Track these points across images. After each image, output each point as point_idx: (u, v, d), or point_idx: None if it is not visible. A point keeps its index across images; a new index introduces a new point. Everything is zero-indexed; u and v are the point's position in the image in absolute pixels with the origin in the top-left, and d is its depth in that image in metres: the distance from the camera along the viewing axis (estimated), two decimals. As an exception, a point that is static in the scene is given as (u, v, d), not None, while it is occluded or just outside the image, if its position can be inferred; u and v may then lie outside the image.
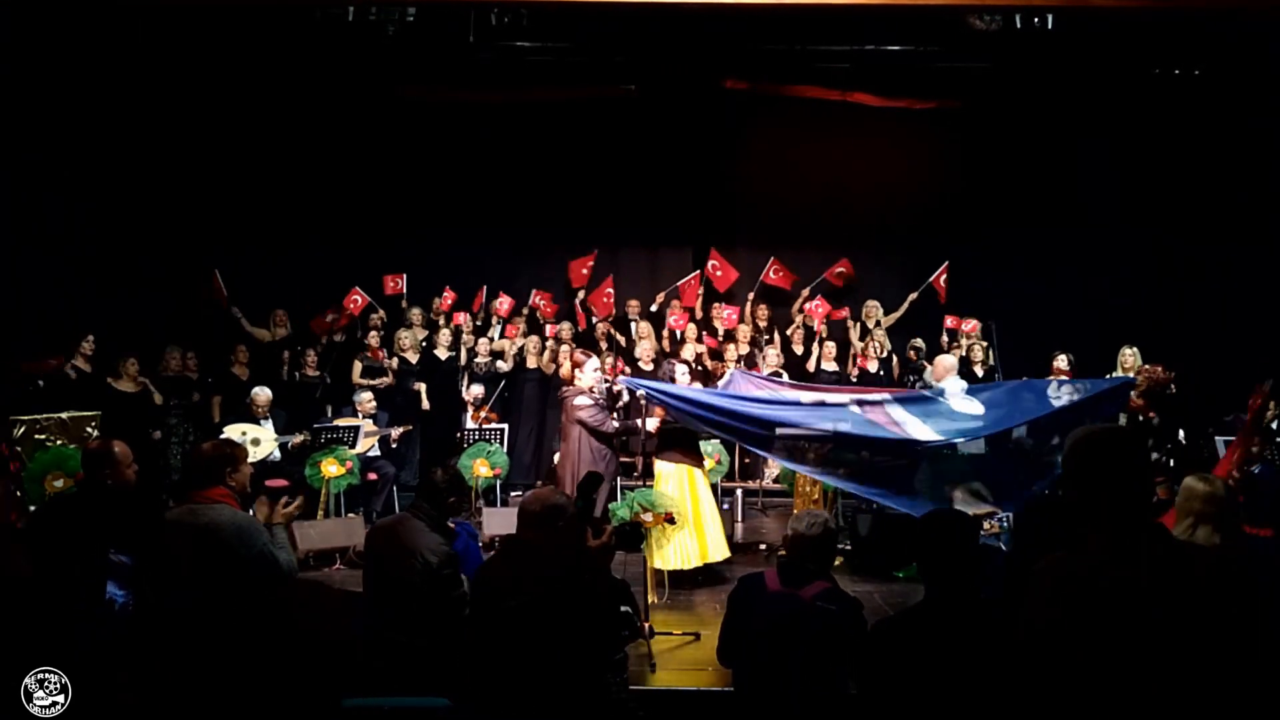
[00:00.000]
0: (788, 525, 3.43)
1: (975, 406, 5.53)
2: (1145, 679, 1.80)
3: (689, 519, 6.01)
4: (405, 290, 9.68)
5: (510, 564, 3.01)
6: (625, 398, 6.80)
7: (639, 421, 5.93)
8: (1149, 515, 2.00)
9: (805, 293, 9.89)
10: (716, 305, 9.81)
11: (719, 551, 6.18)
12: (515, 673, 2.52)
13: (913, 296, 9.85)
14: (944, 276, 9.79)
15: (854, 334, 9.69)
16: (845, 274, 10.03)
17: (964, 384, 5.95)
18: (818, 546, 3.28)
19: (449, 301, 9.66)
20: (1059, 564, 2.00)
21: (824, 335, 9.46)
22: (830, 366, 9.21)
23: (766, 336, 9.57)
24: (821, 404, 5.81)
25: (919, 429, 5.41)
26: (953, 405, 5.57)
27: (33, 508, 5.48)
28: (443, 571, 3.62)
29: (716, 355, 9.35)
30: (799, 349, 9.42)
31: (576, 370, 6.19)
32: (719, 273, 9.92)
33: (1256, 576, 3.07)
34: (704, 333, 9.63)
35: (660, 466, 6.16)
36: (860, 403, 5.76)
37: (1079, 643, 1.85)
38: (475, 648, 2.78)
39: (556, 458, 6.10)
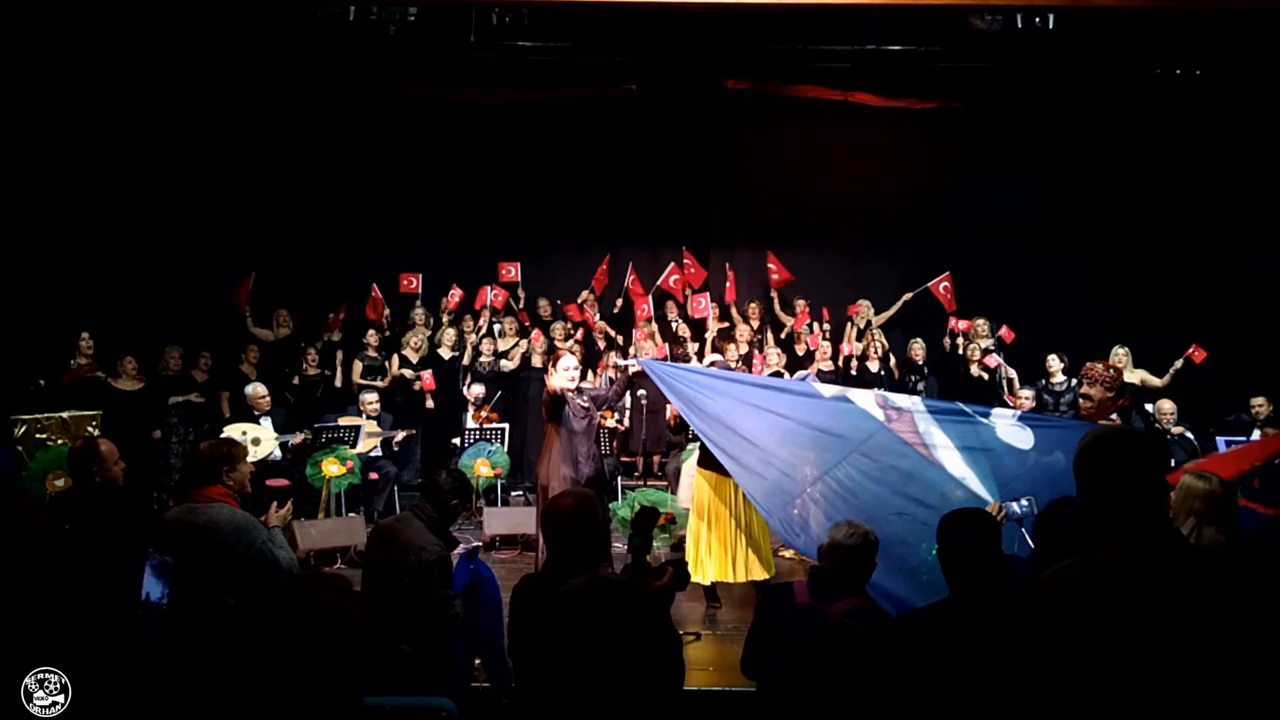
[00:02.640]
0: (828, 533, 3.24)
1: (1025, 438, 4.66)
2: (1157, 684, 1.79)
3: (718, 531, 5.62)
4: (421, 290, 9.69)
5: (563, 577, 2.74)
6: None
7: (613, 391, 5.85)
8: (1161, 518, 1.98)
9: (907, 296, 9.77)
10: (694, 298, 9.78)
11: (753, 571, 5.60)
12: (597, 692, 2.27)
13: (907, 297, 9.83)
14: (944, 284, 9.76)
15: (850, 334, 9.69)
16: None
17: (1015, 412, 5.06)
18: (855, 558, 3.11)
19: (456, 300, 9.69)
20: (1070, 569, 1.97)
21: (826, 335, 9.46)
22: (827, 366, 9.21)
23: (760, 337, 9.57)
24: (844, 399, 4.94)
25: (950, 459, 4.52)
26: (997, 430, 4.69)
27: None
28: (432, 570, 3.62)
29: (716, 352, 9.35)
30: (800, 349, 9.42)
31: (551, 368, 5.86)
32: (692, 270, 9.87)
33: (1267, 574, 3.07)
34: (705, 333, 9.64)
35: (697, 475, 5.86)
36: (886, 408, 4.79)
37: (1090, 648, 1.83)
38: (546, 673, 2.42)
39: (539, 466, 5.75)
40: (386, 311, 9.49)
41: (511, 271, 9.75)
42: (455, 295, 9.66)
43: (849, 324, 9.72)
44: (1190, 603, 1.82)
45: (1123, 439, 2.04)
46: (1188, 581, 1.85)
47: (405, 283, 9.64)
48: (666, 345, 9.51)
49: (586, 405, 5.70)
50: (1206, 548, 3.14)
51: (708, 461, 5.64)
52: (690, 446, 7.75)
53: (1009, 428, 4.67)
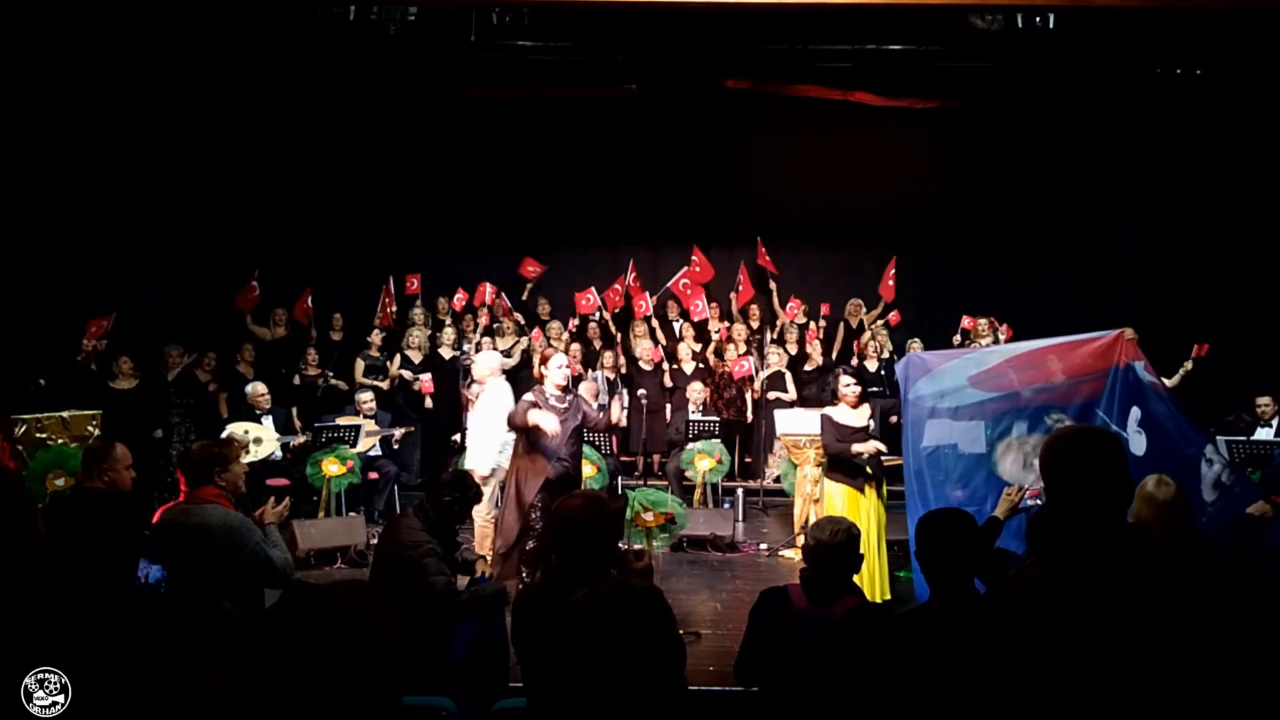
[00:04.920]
0: (808, 535, 3.21)
1: (1139, 444, 4.71)
2: (1128, 682, 1.78)
3: None
4: (421, 291, 9.74)
5: (572, 582, 2.61)
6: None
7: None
8: (1123, 516, 1.98)
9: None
10: (692, 298, 9.81)
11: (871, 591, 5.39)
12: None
13: (888, 299, 9.92)
14: (889, 278, 9.83)
15: (843, 332, 9.71)
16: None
17: (1139, 413, 4.82)
18: (842, 555, 3.07)
19: (460, 302, 9.70)
20: (1036, 567, 1.98)
21: (819, 335, 9.48)
22: (812, 366, 9.23)
23: (759, 336, 9.58)
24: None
25: None
26: (1126, 440, 4.70)
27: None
28: (423, 560, 3.64)
29: (717, 353, 9.37)
30: (793, 349, 9.43)
31: (543, 367, 5.71)
32: (698, 269, 9.89)
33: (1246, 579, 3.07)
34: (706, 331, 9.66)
35: (829, 486, 5.76)
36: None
37: (1058, 647, 1.83)
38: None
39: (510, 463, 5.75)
40: (393, 308, 9.52)
41: (414, 284, 9.79)
42: (461, 298, 9.67)
43: (841, 323, 9.75)
44: (1156, 601, 1.82)
45: (1084, 438, 2.06)
46: (1155, 580, 1.85)
47: (409, 284, 9.68)
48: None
49: (560, 406, 5.56)
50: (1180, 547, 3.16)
51: (837, 471, 5.62)
52: (690, 447, 7.77)
53: (1133, 438, 4.71)
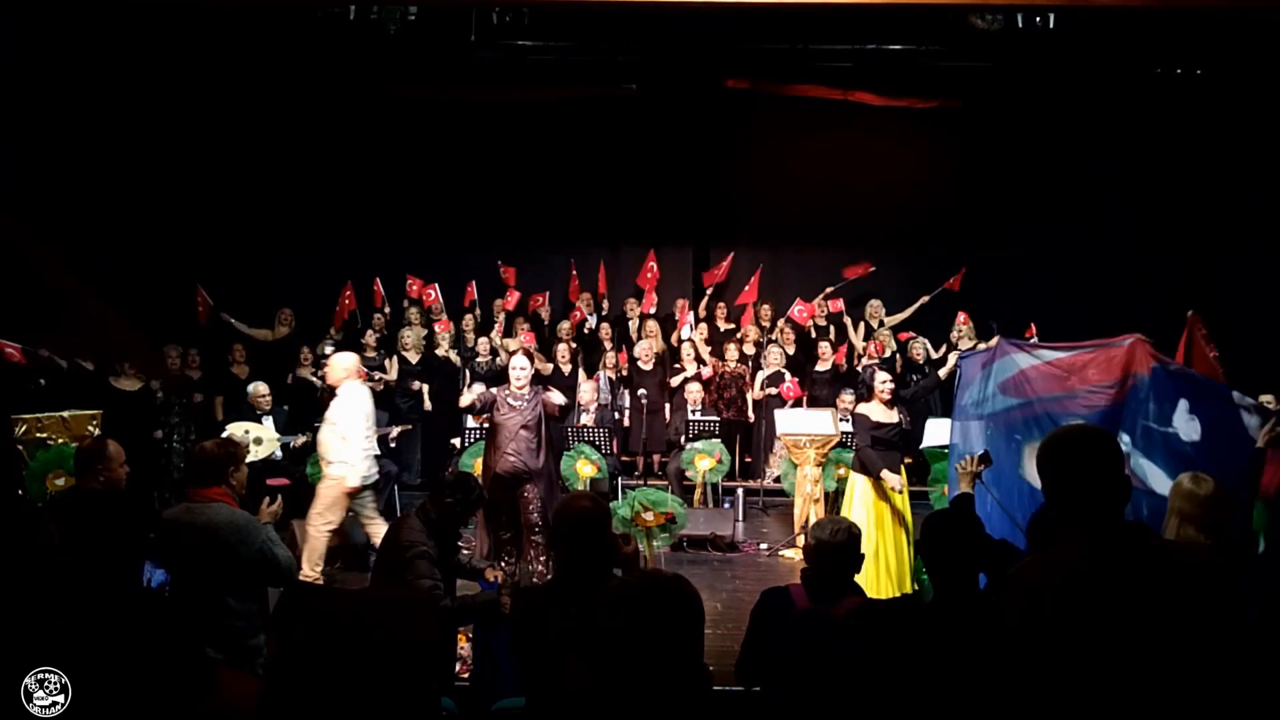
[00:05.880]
0: (809, 534, 3.22)
1: (1195, 430, 4.65)
2: (1125, 680, 1.79)
3: (869, 542, 5.33)
4: (441, 300, 9.70)
5: (574, 582, 2.68)
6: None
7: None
8: (1121, 514, 1.98)
9: (828, 290, 9.83)
10: (719, 304, 9.84)
11: (891, 589, 5.41)
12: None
13: (924, 299, 9.84)
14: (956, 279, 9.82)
15: (852, 332, 9.70)
16: (861, 276, 9.95)
17: (1186, 402, 4.79)
18: (843, 555, 3.08)
19: (432, 297, 9.71)
20: (1036, 565, 1.99)
21: (828, 333, 9.47)
22: (825, 366, 9.23)
23: (770, 336, 9.58)
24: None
25: (1156, 479, 4.59)
26: (1179, 433, 4.69)
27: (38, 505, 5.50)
28: (414, 561, 3.67)
29: (718, 354, 9.36)
30: (790, 349, 9.43)
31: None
32: (649, 275, 9.92)
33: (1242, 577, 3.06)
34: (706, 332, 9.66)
35: (855, 479, 5.74)
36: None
37: (1057, 644, 1.83)
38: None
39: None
40: (387, 310, 9.51)
41: (432, 293, 9.73)
42: (423, 289, 9.67)
43: (851, 323, 9.74)
44: (1154, 597, 1.82)
45: (1081, 437, 2.07)
46: (1153, 576, 1.85)
47: (410, 287, 9.68)
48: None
49: (515, 404, 5.78)
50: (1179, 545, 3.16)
51: (860, 465, 5.63)
52: (690, 446, 7.76)
53: (1184, 423, 4.67)
